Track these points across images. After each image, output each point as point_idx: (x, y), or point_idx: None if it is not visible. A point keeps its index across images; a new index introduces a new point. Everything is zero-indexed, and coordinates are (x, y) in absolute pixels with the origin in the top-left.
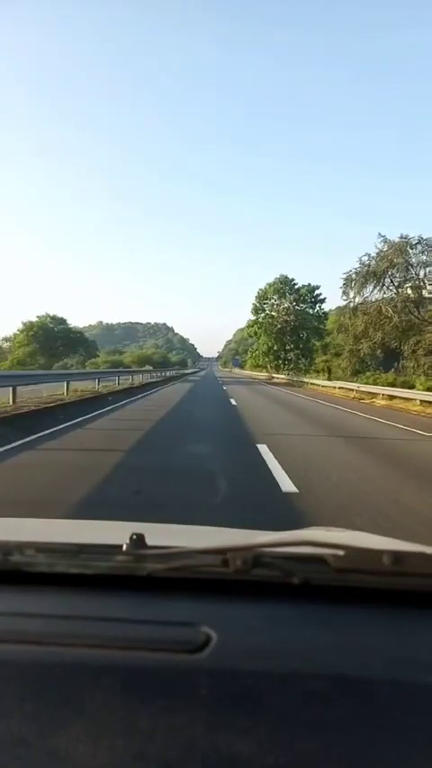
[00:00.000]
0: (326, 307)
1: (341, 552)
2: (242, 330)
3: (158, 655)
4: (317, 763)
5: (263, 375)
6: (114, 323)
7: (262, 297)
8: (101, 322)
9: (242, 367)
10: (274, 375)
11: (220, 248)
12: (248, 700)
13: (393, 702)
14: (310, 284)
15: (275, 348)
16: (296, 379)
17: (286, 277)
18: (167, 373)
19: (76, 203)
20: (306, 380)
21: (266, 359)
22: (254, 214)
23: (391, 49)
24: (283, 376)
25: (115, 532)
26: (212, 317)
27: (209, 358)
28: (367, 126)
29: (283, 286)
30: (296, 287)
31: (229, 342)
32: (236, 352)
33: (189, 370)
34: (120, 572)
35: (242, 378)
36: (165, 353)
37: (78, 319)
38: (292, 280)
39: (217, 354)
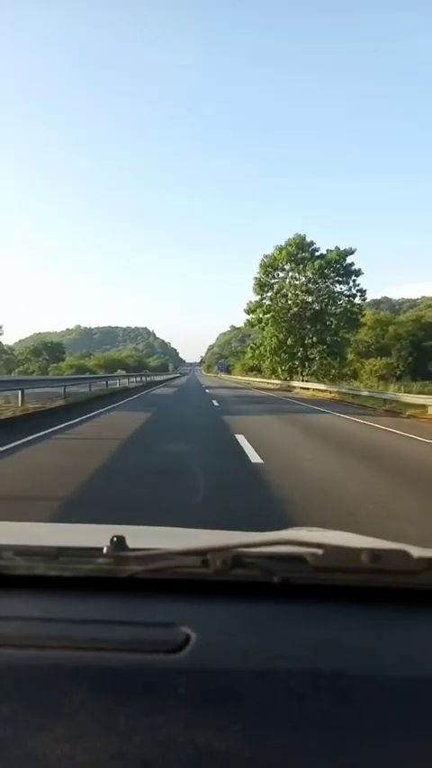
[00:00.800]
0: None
1: (320, 551)
2: (225, 334)
3: (137, 656)
4: (294, 758)
5: (270, 383)
6: (93, 327)
7: (268, 267)
8: (79, 326)
9: (229, 372)
10: (292, 383)
11: (205, 254)
12: (226, 698)
13: (369, 697)
14: (338, 248)
15: (289, 343)
16: (346, 391)
17: (303, 238)
18: (135, 380)
19: (52, 207)
20: (368, 393)
21: (276, 359)
22: (239, 221)
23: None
24: (302, 384)
25: (96, 535)
26: (196, 321)
27: (191, 363)
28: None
29: (300, 251)
30: (318, 253)
31: (211, 346)
32: (219, 356)
33: (164, 377)
34: (100, 574)
35: (238, 386)
36: (142, 356)
37: (55, 324)
38: (312, 243)
39: (200, 359)
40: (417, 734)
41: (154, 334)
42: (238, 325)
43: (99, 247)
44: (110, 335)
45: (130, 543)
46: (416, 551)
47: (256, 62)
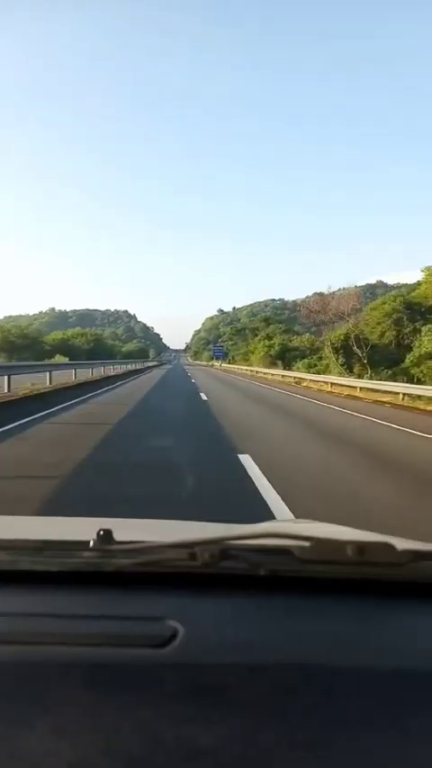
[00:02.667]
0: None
1: (307, 544)
2: (212, 319)
3: (124, 650)
4: (282, 752)
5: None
6: (69, 310)
7: None
8: (53, 309)
9: (231, 360)
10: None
11: (188, 239)
12: (214, 692)
13: (356, 690)
14: None
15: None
16: None
17: None
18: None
19: (24, 185)
20: None
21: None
22: (222, 207)
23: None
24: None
25: (82, 528)
26: (180, 308)
27: (176, 350)
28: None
29: None
30: None
31: (197, 331)
32: (207, 342)
33: (136, 365)
34: (86, 568)
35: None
36: (97, 335)
37: (27, 306)
38: None
39: (185, 345)
40: (403, 726)
41: (135, 318)
42: (226, 309)
43: (76, 227)
44: (87, 319)
45: (117, 536)
46: (401, 544)
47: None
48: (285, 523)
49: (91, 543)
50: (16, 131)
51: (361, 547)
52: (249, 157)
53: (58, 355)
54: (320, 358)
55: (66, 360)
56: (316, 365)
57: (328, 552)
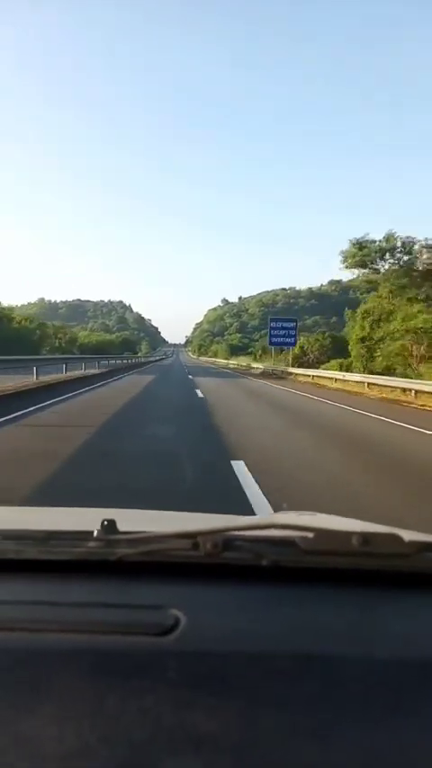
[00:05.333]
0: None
1: (310, 534)
2: (214, 310)
3: (127, 638)
4: (283, 740)
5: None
6: (59, 301)
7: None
8: (42, 299)
9: (257, 356)
10: None
11: (190, 231)
12: (215, 680)
13: (358, 680)
14: None
15: None
16: None
17: None
18: None
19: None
20: None
21: None
22: (223, 198)
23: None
24: None
25: (86, 519)
26: (180, 300)
27: (175, 344)
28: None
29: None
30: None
31: (198, 324)
32: (210, 334)
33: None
34: (90, 557)
35: None
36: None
37: (15, 296)
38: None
39: (185, 339)
40: (405, 715)
41: (130, 308)
42: (231, 300)
43: (72, 214)
44: (78, 310)
45: (121, 527)
46: (407, 535)
47: None
48: (288, 515)
49: (95, 533)
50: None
51: (366, 538)
52: (256, 143)
53: None
54: None
55: None
56: None
57: (332, 543)
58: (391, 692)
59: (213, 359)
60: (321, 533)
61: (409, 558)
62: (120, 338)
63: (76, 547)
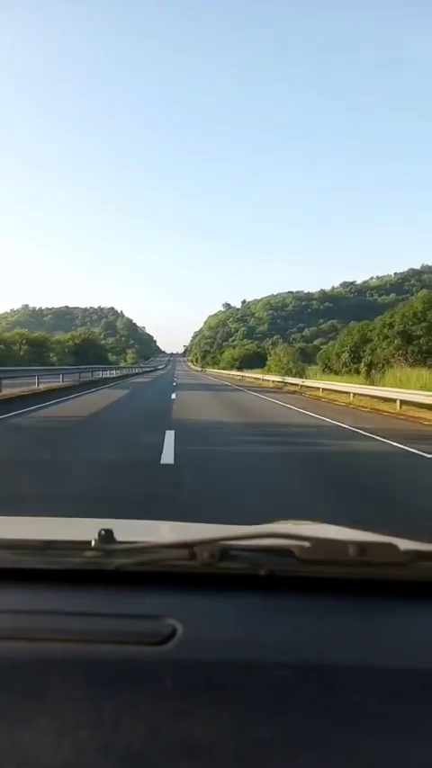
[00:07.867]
0: None
1: (307, 544)
2: (215, 316)
3: (124, 647)
4: (280, 750)
5: None
6: (44, 308)
7: None
8: (26, 306)
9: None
10: None
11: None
12: (212, 689)
13: (356, 689)
14: None
15: None
16: None
17: None
18: None
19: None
20: None
21: None
22: (221, 205)
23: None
24: None
25: (83, 529)
26: (178, 309)
27: (172, 353)
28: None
29: None
30: None
31: (198, 332)
32: (213, 341)
33: None
34: (87, 567)
35: None
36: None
37: None
38: None
39: (183, 349)
40: (402, 724)
41: (122, 315)
42: (233, 304)
43: (59, 218)
44: (65, 318)
45: (118, 537)
46: (403, 544)
47: None
48: (285, 524)
49: (92, 543)
50: None
51: (363, 547)
52: (256, 140)
53: None
54: None
55: None
56: None
57: (328, 552)
58: (389, 700)
59: (235, 373)
60: (318, 543)
61: (405, 567)
62: (77, 338)
63: (73, 556)
